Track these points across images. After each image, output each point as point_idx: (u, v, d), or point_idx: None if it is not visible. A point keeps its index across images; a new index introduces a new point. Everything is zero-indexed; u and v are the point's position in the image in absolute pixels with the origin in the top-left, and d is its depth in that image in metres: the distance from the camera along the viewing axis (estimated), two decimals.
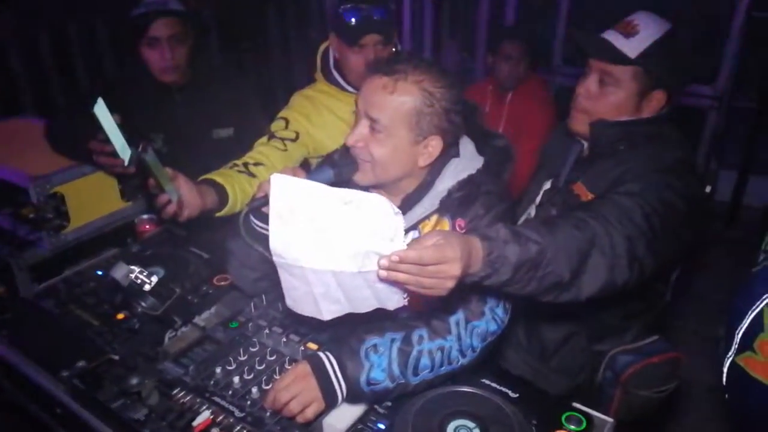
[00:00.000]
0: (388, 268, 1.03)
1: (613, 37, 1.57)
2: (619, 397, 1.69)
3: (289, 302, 1.26)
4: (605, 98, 1.61)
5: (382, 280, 1.08)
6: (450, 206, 1.48)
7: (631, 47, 1.54)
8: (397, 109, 1.38)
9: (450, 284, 1.07)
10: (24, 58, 3.84)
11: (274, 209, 1.13)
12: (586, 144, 1.72)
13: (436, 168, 1.50)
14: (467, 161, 1.52)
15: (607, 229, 1.31)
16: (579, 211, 1.39)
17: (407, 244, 1.05)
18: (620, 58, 1.54)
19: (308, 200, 1.10)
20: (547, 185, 1.80)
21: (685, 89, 1.65)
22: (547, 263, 1.20)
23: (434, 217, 1.50)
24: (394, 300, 1.17)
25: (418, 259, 1.03)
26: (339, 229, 1.08)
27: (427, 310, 1.40)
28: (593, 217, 1.32)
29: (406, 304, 1.18)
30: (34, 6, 3.90)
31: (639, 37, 1.54)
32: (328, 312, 1.23)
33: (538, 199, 1.81)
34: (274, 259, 1.19)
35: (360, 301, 1.19)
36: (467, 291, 1.31)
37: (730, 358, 1.39)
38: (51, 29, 3.93)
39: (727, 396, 1.46)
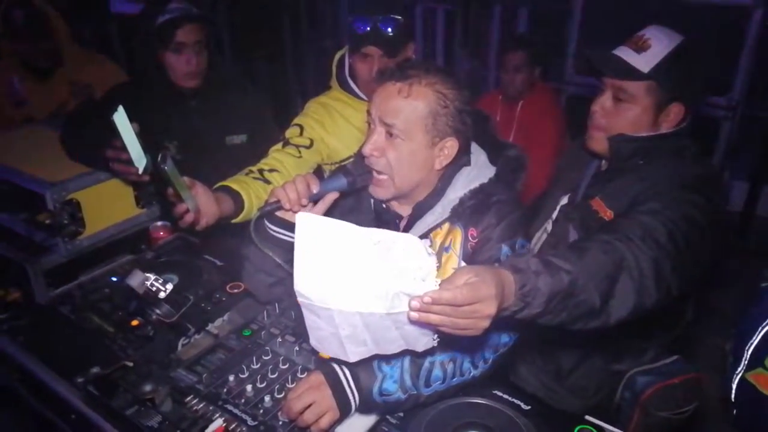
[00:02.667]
0: (419, 310, 0.98)
1: (625, 53, 1.56)
2: (638, 418, 1.65)
3: (314, 342, 1.22)
4: (621, 114, 1.59)
5: (413, 322, 1.03)
6: (462, 215, 1.48)
7: (644, 62, 1.53)
8: (413, 112, 1.39)
9: (485, 324, 1.03)
10: None
11: (299, 248, 1.10)
12: (604, 160, 1.70)
13: (447, 176, 1.51)
14: (479, 170, 1.52)
15: (633, 251, 1.28)
16: (603, 233, 1.36)
17: (439, 284, 1.01)
18: (633, 74, 1.53)
19: (335, 239, 1.07)
20: (564, 200, 1.78)
21: (704, 101, 1.63)
22: (579, 292, 1.17)
23: (446, 226, 1.51)
24: (423, 342, 1.13)
25: (452, 299, 0.98)
26: (367, 269, 1.04)
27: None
28: (619, 239, 1.30)
29: (435, 345, 1.14)
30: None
31: (651, 51, 1.53)
32: (353, 354, 1.18)
33: (555, 214, 1.79)
34: (299, 300, 1.14)
35: (387, 343, 1.14)
36: None
37: (740, 374, 1.38)
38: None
39: (735, 411, 1.44)
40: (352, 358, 1.19)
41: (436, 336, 1.12)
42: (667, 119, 1.58)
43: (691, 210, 1.41)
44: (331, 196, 1.45)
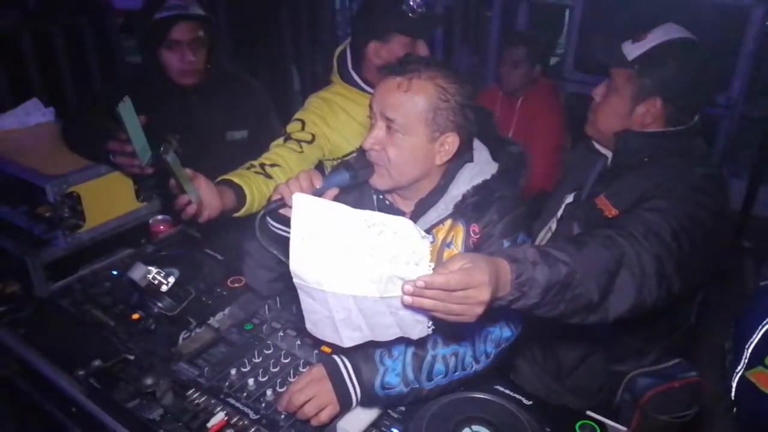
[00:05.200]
0: (413, 294, 0.98)
1: (624, 43, 1.57)
2: (637, 421, 1.64)
3: (309, 326, 1.23)
4: (604, 103, 1.61)
5: (407, 306, 1.03)
6: (464, 211, 1.49)
7: (632, 50, 1.53)
8: (413, 106, 1.39)
9: (479, 310, 1.03)
10: (36, 53, 3.88)
11: (295, 229, 1.10)
12: (609, 158, 1.70)
13: (450, 172, 1.51)
14: (482, 167, 1.52)
15: (635, 247, 1.28)
16: (606, 228, 1.36)
17: (433, 269, 1.01)
18: (617, 60, 1.54)
19: (331, 221, 1.07)
20: (569, 199, 1.78)
21: (700, 103, 1.61)
22: (577, 284, 1.17)
23: (448, 222, 1.51)
24: (418, 329, 1.13)
25: (445, 284, 0.98)
26: (361, 252, 1.04)
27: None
28: (621, 234, 1.29)
29: (430, 333, 1.14)
30: (47, 2, 3.95)
31: (644, 41, 1.53)
32: (348, 339, 1.19)
33: (560, 212, 1.79)
34: (295, 281, 1.15)
35: (382, 329, 1.15)
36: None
37: (740, 373, 1.39)
38: (63, 26, 3.97)
39: (735, 410, 1.45)
40: (347, 343, 1.20)
41: (430, 324, 1.12)
42: (642, 112, 1.56)
43: (697, 210, 1.41)
44: (333, 192, 1.45)
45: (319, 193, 1.42)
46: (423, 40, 1.97)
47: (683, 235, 1.35)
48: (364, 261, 1.04)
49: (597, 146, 1.72)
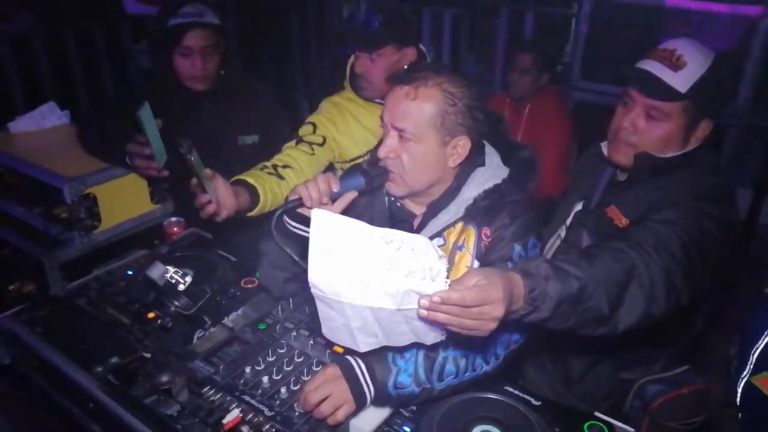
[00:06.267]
0: (428, 308, 1.01)
1: (658, 69, 1.51)
2: (647, 428, 1.65)
3: (326, 332, 1.26)
4: (652, 132, 1.55)
5: (422, 318, 1.06)
6: (476, 214, 1.51)
7: (680, 81, 1.48)
8: (421, 114, 1.42)
9: (492, 325, 1.05)
10: (49, 56, 3.92)
11: (313, 243, 1.13)
12: (620, 170, 1.69)
13: (461, 176, 1.54)
14: (493, 171, 1.55)
15: (644, 259, 1.29)
16: (616, 240, 1.37)
17: (449, 285, 1.04)
18: (671, 94, 1.49)
19: (349, 236, 1.10)
20: (579, 207, 1.78)
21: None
22: (588, 298, 1.19)
23: (459, 225, 1.54)
24: (432, 336, 1.17)
25: (460, 300, 1.00)
26: (378, 267, 1.07)
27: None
28: (630, 246, 1.31)
29: (444, 338, 1.18)
30: (59, 5, 4.00)
31: (688, 69, 1.49)
32: (364, 344, 1.23)
33: (569, 220, 1.80)
34: (312, 291, 1.18)
35: (397, 336, 1.18)
36: None
37: (745, 378, 1.40)
38: (75, 29, 4.02)
39: (741, 416, 1.46)
40: (363, 349, 1.23)
41: (443, 331, 1.15)
42: (695, 136, 1.57)
43: (706, 221, 1.41)
44: (350, 195, 1.48)
45: (336, 196, 1.45)
46: (368, 51, 2.01)
47: (692, 246, 1.36)
48: (381, 275, 1.07)
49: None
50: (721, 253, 1.46)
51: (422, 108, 1.42)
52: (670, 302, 1.31)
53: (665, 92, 1.49)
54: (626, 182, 1.67)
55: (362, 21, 1.99)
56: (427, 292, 1.02)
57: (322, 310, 1.21)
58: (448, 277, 1.06)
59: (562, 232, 1.81)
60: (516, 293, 1.09)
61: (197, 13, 2.20)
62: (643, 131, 1.56)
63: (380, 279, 1.07)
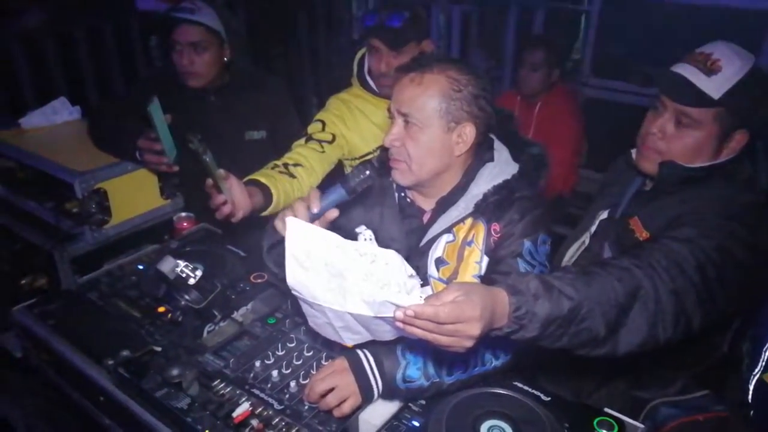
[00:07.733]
0: (403, 321, 1.00)
1: (691, 73, 1.42)
2: None
3: (312, 325, 1.28)
4: (682, 140, 1.47)
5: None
6: (485, 210, 1.51)
7: (714, 87, 1.40)
8: (426, 99, 1.43)
9: (468, 344, 1.03)
10: (59, 53, 3.95)
11: (289, 251, 1.14)
12: (648, 179, 1.63)
13: (470, 171, 1.54)
14: (502, 167, 1.55)
15: (653, 281, 1.22)
16: (625, 257, 1.29)
17: (423, 299, 1.02)
18: (702, 99, 1.40)
19: (324, 247, 1.10)
20: (604, 215, 1.70)
21: None
22: (582, 319, 1.14)
23: (469, 221, 1.54)
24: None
25: (433, 316, 0.98)
26: (354, 278, 1.07)
27: None
28: (639, 266, 1.23)
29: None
30: (70, 2, 4.03)
31: (723, 75, 1.40)
32: (350, 339, 1.24)
33: (593, 228, 1.72)
34: (293, 292, 1.19)
35: (381, 333, 1.18)
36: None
37: (757, 375, 1.39)
38: (86, 26, 4.04)
39: (752, 413, 1.45)
40: (349, 343, 1.26)
41: None
42: (728, 146, 1.47)
43: (729, 241, 1.32)
44: (331, 214, 1.38)
45: (317, 217, 1.37)
46: (395, 49, 2.00)
47: (710, 268, 1.27)
48: (358, 285, 1.07)
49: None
50: (751, 276, 1.35)
51: (428, 93, 1.43)
52: (678, 327, 1.24)
53: (696, 97, 1.41)
54: (652, 192, 1.59)
55: (387, 19, 1.98)
56: (403, 303, 1.00)
57: (305, 308, 1.23)
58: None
59: (587, 240, 1.74)
60: (499, 311, 1.06)
61: (190, 9, 2.21)
62: (671, 138, 1.48)
63: (357, 288, 1.07)
